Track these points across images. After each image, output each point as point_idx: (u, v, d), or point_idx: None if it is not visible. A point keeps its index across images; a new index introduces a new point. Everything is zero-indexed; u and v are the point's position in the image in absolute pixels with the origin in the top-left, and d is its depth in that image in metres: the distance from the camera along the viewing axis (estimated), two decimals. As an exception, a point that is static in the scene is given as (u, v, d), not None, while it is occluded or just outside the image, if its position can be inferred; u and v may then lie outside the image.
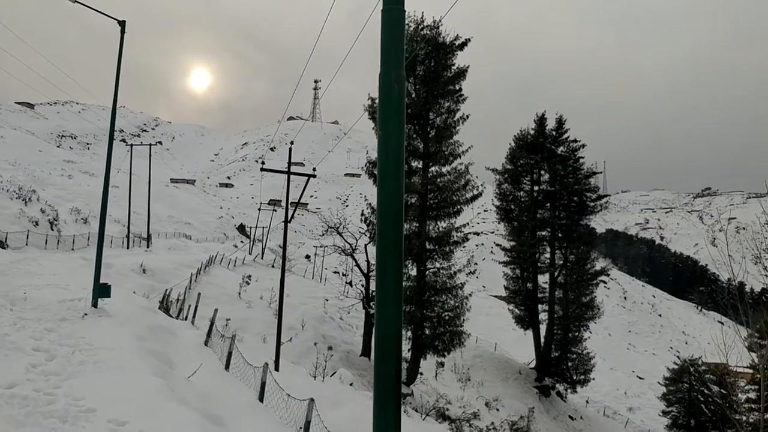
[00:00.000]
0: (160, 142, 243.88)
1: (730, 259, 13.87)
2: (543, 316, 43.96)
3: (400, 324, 2.59)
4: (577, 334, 43.24)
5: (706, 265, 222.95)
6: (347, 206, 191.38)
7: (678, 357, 60.44)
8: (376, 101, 2.94)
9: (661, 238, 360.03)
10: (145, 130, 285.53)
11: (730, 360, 14.21)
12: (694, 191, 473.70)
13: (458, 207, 31.80)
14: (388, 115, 2.67)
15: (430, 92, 31.36)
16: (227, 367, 14.84)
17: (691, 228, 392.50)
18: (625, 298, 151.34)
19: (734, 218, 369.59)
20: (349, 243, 34.33)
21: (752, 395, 33.99)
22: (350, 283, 55.23)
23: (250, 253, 66.56)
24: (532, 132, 45.61)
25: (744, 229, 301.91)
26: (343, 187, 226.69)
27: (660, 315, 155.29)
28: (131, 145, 53.16)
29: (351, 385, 22.44)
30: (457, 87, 32.47)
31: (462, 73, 32.33)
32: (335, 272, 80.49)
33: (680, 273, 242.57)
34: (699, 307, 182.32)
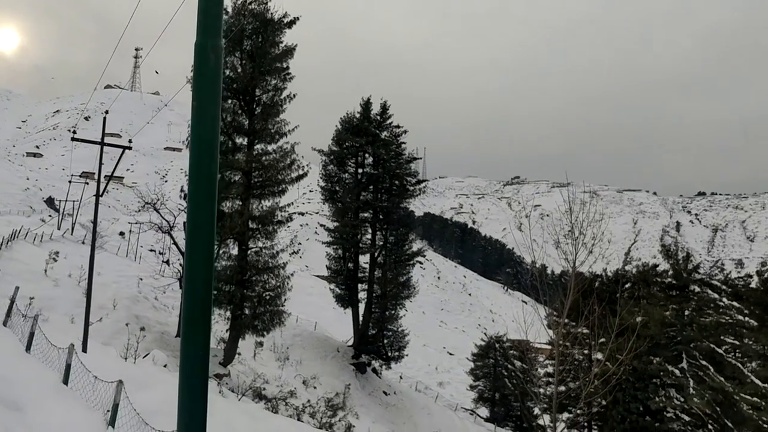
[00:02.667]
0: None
1: (534, 243, 14.93)
2: (362, 295, 44.96)
3: (210, 302, 2.52)
4: (393, 312, 44.68)
5: (513, 248, 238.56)
6: (166, 182, 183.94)
7: (485, 334, 64.46)
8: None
9: (474, 222, 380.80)
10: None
11: (531, 336, 15.34)
12: (505, 179, 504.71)
13: (283, 186, 31.60)
14: (204, 86, 2.57)
15: (257, 68, 30.80)
16: (28, 348, 13.82)
17: (501, 213, 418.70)
18: (438, 278, 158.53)
19: (539, 205, 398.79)
20: (166, 220, 33.11)
21: (550, 369, 36.94)
22: (167, 262, 53.42)
23: (58, 229, 62.17)
24: (357, 116, 46.25)
25: (547, 215, 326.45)
26: (163, 162, 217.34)
27: (470, 294, 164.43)
28: None
29: (165, 366, 21.75)
30: (285, 65, 32.15)
31: (290, 51, 32.05)
32: (151, 250, 77.46)
33: (489, 255, 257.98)
34: (505, 288, 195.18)
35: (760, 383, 34.70)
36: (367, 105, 46.42)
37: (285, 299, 31.13)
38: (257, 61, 30.80)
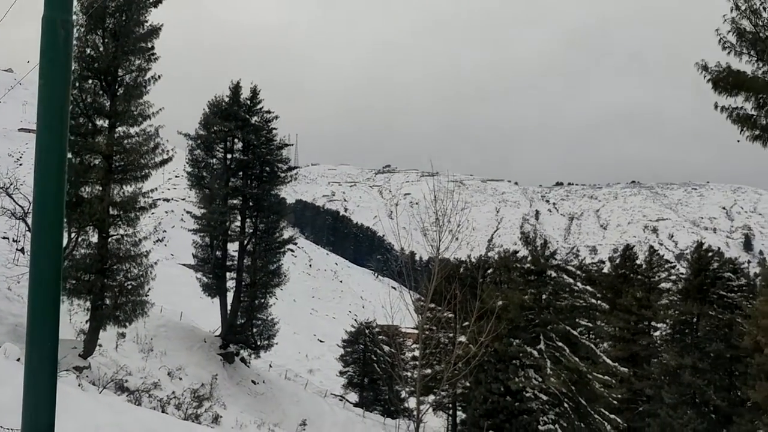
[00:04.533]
0: None
1: (403, 230, 15.29)
2: (231, 284, 44.23)
3: (59, 290, 2.44)
4: (263, 300, 44.25)
5: (384, 235, 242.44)
6: (21, 165, 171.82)
7: (355, 320, 65.36)
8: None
9: (346, 210, 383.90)
10: None
11: (399, 322, 15.69)
12: (377, 168, 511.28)
13: (147, 171, 30.46)
14: (52, 64, 2.44)
15: (120, 48, 29.47)
16: None
17: (372, 201, 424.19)
18: (310, 265, 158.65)
19: (409, 194, 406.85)
20: (21, 206, 31.13)
21: (417, 353, 37.95)
22: (21, 250, 50.27)
23: None
24: (226, 99, 45.23)
25: (417, 204, 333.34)
26: (17, 144, 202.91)
27: (341, 281, 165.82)
28: None
29: (18, 360, 20.54)
30: (150, 45, 30.94)
31: (155, 31, 30.88)
32: (4, 238, 72.63)
33: (361, 242, 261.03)
34: (376, 274, 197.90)
35: (610, 362, 37.36)
36: (236, 89, 45.48)
37: (149, 289, 30.15)
38: (120, 40, 29.46)
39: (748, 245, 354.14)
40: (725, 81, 16.95)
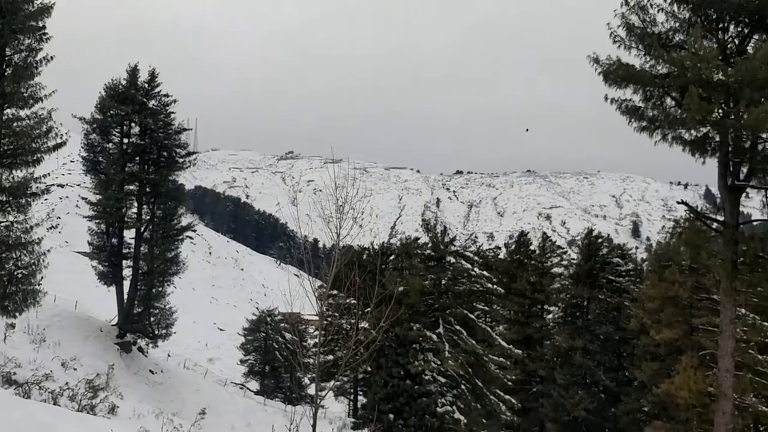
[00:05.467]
0: None
1: (307, 217, 15.48)
2: (128, 272, 43.08)
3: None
4: (161, 289, 43.24)
5: (286, 222, 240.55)
6: None
7: (257, 308, 64.93)
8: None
9: (247, 197, 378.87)
10: None
11: (301, 309, 15.89)
12: (279, 154, 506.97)
13: (38, 156, 29.22)
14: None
15: (7, 26, 28.13)
16: None
17: (275, 188, 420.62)
18: (210, 253, 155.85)
19: (312, 181, 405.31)
20: None
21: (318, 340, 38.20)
22: None
23: None
24: (124, 82, 43.83)
25: (320, 191, 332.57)
26: None
27: (242, 269, 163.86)
28: None
29: None
30: (41, 24, 29.61)
31: (47, 9, 29.55)
32: None
33: (263, 230, 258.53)
34: (278, 262, 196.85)
35: (505, 345, 38.81)
36: (134, 72, 44.06)
37: (41, 277, 29.05)
38: (7, 18, 28.10)
39: (636, 232, 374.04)
40: (615, 74, 17.86)
